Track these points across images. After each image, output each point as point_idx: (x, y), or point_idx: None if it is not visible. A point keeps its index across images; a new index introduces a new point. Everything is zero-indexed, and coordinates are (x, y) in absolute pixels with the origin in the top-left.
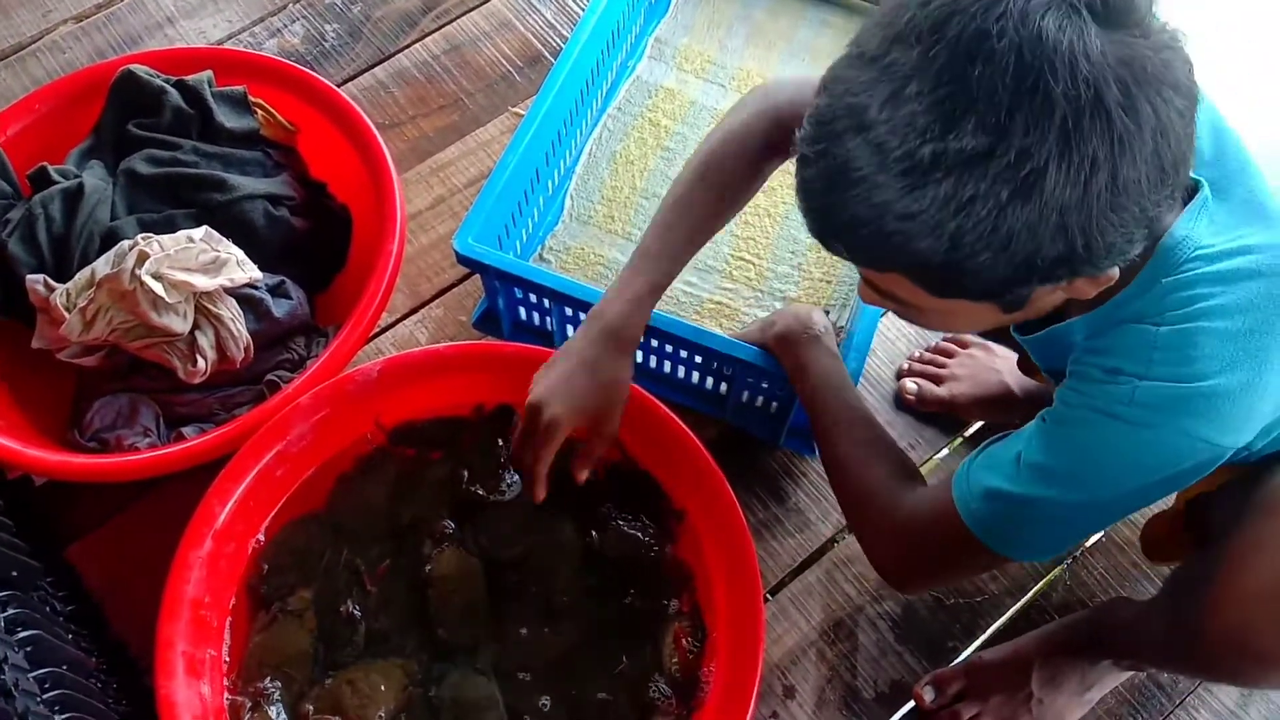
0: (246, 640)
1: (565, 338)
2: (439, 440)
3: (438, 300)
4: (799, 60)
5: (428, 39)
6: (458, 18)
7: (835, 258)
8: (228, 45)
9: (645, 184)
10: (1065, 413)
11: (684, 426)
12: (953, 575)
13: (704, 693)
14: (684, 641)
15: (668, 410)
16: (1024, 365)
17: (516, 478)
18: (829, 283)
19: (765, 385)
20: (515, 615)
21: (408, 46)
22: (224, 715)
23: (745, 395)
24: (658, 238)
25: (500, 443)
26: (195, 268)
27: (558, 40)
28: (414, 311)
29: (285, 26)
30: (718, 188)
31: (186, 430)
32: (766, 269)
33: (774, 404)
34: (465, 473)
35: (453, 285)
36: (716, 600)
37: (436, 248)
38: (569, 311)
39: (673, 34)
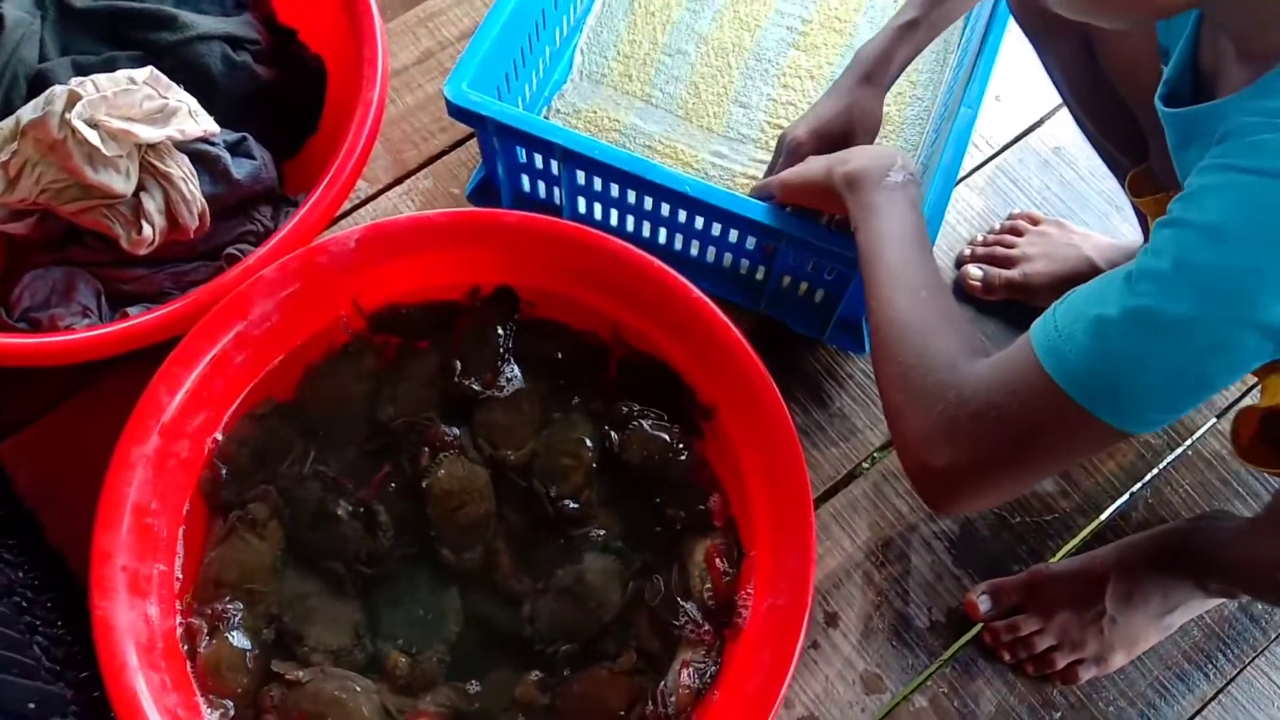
0: (202, 554)
1: (576, 212)
2: (427, 327)
3: (425, 170)
4: None
5: None
6: None
7: (889, 126)
8: None
9: (668, 39)
10: (1205, 190)
11: (711, 305)
12: (1026, 469)
13: (741, 619)
14: (717, 561)
15: (690, 286)
16: (1136, 184)
17: (517, 372)
18: None
19: (812, 267)
20: (522, 530)
21: None
22: (175, 641)
23: (787, 280)
24: None
25: (499, 331)
26: (138, 116)
27: None
28: (398, 183)
29: None
30: None
31: (132, 311)
32: None
33: (820, 291)
34: (458, 364)
35: (443, 153)
36: (755, 513)
37: (424, 109)
38: (581, 178)
39: None
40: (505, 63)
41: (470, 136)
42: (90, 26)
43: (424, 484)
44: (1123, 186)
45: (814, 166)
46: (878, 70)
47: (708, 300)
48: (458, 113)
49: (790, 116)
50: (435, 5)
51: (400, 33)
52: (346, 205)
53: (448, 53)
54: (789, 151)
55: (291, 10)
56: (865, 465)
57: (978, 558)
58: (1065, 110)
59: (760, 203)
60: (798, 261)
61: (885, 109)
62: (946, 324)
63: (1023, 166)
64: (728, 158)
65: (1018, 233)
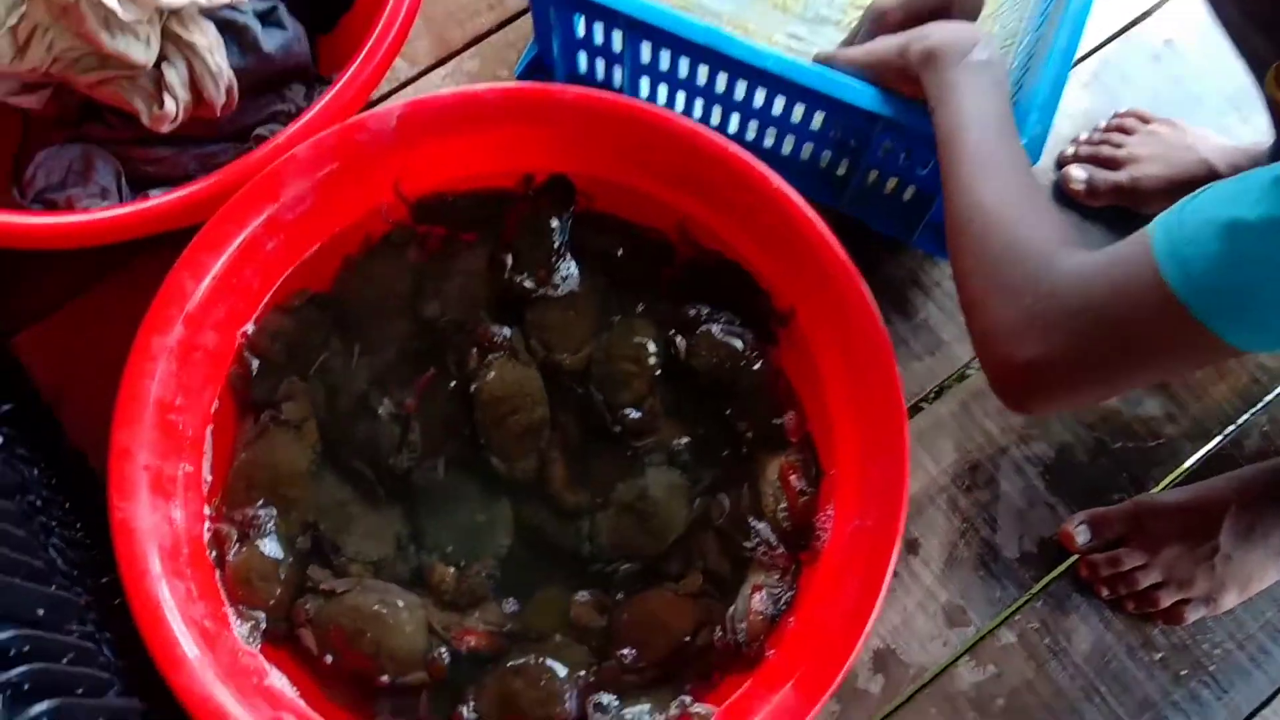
0: (232, 456)
1: (637, 94)
2: (475, 218)
3: (471, 50)
4: None
5: None
6: None
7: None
8: None
9: None
10: None
11: (795, 196)
12: (1119, 375)
13: (820, 542)
14: (792, 480)
15: (770, 173)
16: None
17: (574, 270)
18: None
19: (905, 156)
20: (578, 440)
21: None
22: (202, 547)
23: (874, 175)
24: None
25: (554, 223)
26: None
27: None
28: (440, 64)
29: None
30: None
31: (154, 194)
32: None
33: (911, 188)
34: (509, 259)
35: (490, 31)
36: (836, 428)
37: None
38: (646, 53)
39: None
40: None
41: (520, 14)
42: None
43: (472, 388)
44: (1259, 82)
45: (888, 42)
46: None
47: (790, 190)
48: None
49: None
50: None
51: None
52: (385, 87)
53: None
54: (872, 21)
55: None
56: (952, 382)
57: (1073, 485)
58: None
59: (857, 81)
60: (892, 152)
61: None
62: (1036, 210)
63: (1130, 61)
64: (805, 41)
65: (1126, 131)
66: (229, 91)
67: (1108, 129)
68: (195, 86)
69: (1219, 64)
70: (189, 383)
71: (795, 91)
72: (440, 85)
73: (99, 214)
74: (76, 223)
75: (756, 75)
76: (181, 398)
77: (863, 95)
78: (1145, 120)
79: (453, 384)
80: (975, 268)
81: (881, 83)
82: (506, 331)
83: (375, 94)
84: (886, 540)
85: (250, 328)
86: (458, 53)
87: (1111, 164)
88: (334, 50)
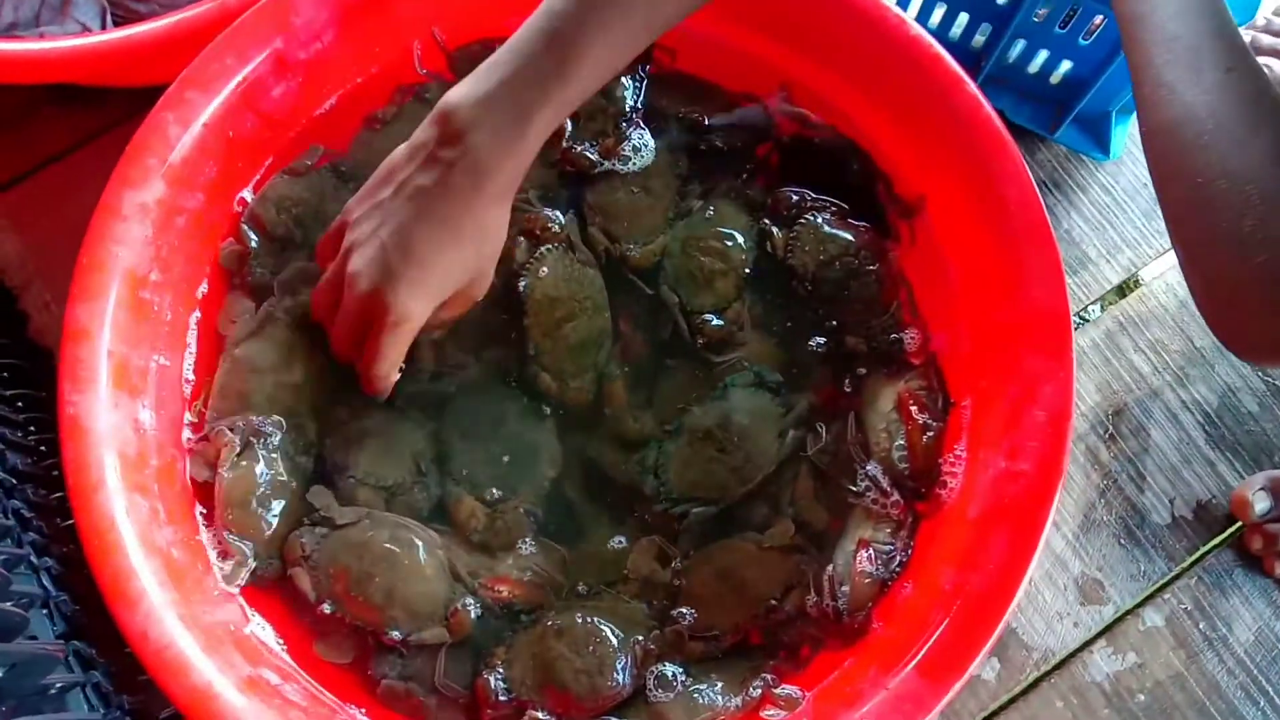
0: (220, 352)
1: None
2: None
3: None
4: None
5: None
6: None
7: None
8: None
9: None
10: None
11: (937, 48)
12: None
13: (945, 491)
14: (913, 411)
15: (904, 17)
16: None
17: (649, 140)
18: None
19: (1067, 20)
20: (645, 353)
21: None
22: (175, 460)
23: (1019, 46)
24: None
25: (624, 81)
26: None
27: None
28: None
29: None
30: None
31: None
32: None
33: (1064, 66)
34: (568, 124)
35: None
36: (970, 349)
37: None
38: None
39: None
40: None
41: None
42: None
43: (520, 286)
44: None
45: None
46: (510, 182)
47: (932, 40)
48: None
49: None
50: None
51: None
52: None
53: None
54: (391, 328)
55: None
56: (1096, 308)
57: (1239, 439)
58: None
59: None
60: (1050, 15)
61: None
62: (1266, 116)
63: None
64: None
65: None
66: None
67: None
68: None
69: None
70: (169, 255)
71: None
72: None
73: (65, 42)
74: (32, 53)
75: None
76: (158, 272)
77: None
78: None
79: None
80: (1187, 202)
81: None
82: (560, 218)
83: None
84: (1044, 490)
85: (249, 194)
86: None
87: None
88: None
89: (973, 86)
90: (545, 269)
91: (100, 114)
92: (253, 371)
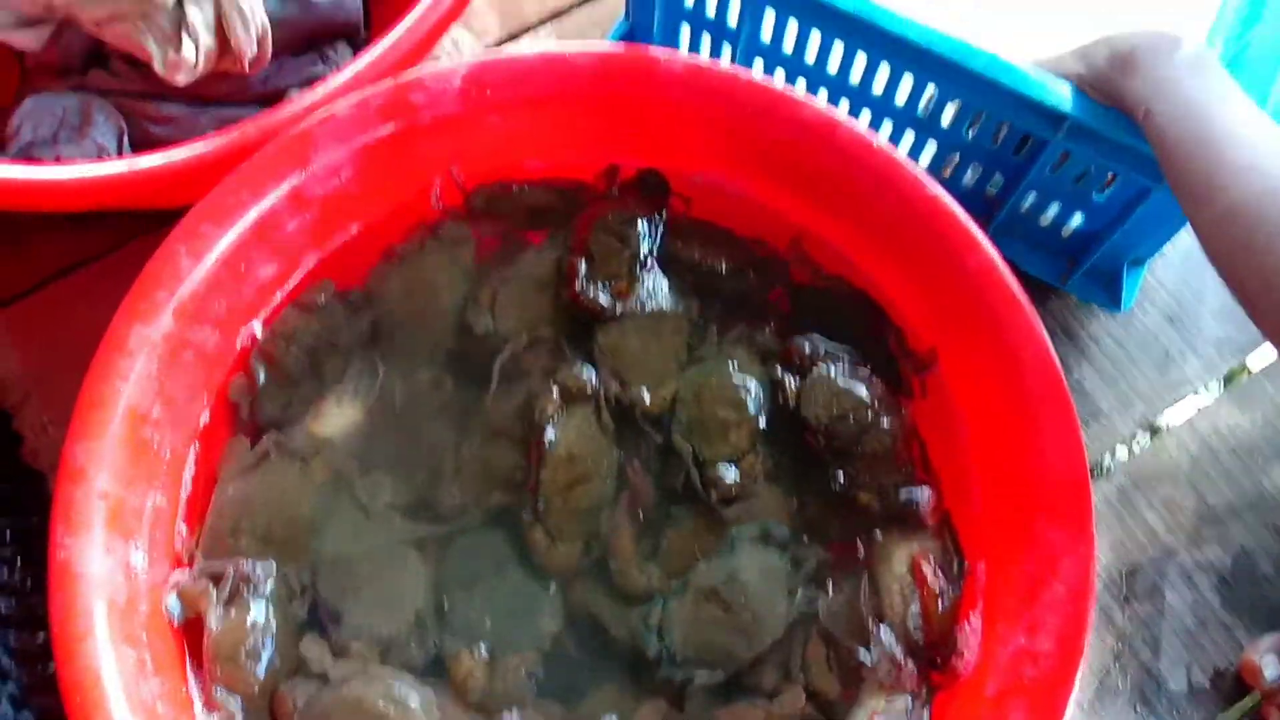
0: (214, 484)
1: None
2: (545, 213)
3: (548, 25)
4: None
5: None
6: None
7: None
8: None
9: None
10: None
11: (954, 207)
12: None
13: (960, 661)
14: (927, 573)
15: (921, 173)
16: None
17: (662, 285)
18: None
19: (1080, 178)
20: (654, 506)
21: None
22: (170, 609)
23: (1031, 199)
24: None
25: (640, 227)
26: None
27: None
28: (512, 38)
29: None
30: None
31: None
32: None
33: (1076, 218)
34: (582, 266)
35: (571, 7)
36: (984, 509)
37: None
38: (768, 26)
39: None
40: None
41: None
42: None
43: (546, 439)
44: None
45: (1060, 55)
46: None
47: (948, 198)
48: None
49: None
50: None
51: None
52: (445, 63)
53: None
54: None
55: None
56: (1110, 462)
57: (1256, 601)
58: None
59: (1012, 64)
60: (1065, 168)
61: None
62: None
63: None
64: None
65: None
66: (261, 41)
67: None
68: (222, 32)
69: None
70: (173, 390)
71: (956, 79)
72: None
73: (73, 168)
74: (42, 180)
75: (910, 57)
76: (161, 408)
77: (1049, 89)
78: None
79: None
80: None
81: None
82: (595, 377)
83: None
84: (1065, 671)
85: (259, 326)
86: (532, 28)
87: None
88: (388, 12)
89: (989, 247)
90: (573, 429)
91: (103, 234)
92: (245, 512)
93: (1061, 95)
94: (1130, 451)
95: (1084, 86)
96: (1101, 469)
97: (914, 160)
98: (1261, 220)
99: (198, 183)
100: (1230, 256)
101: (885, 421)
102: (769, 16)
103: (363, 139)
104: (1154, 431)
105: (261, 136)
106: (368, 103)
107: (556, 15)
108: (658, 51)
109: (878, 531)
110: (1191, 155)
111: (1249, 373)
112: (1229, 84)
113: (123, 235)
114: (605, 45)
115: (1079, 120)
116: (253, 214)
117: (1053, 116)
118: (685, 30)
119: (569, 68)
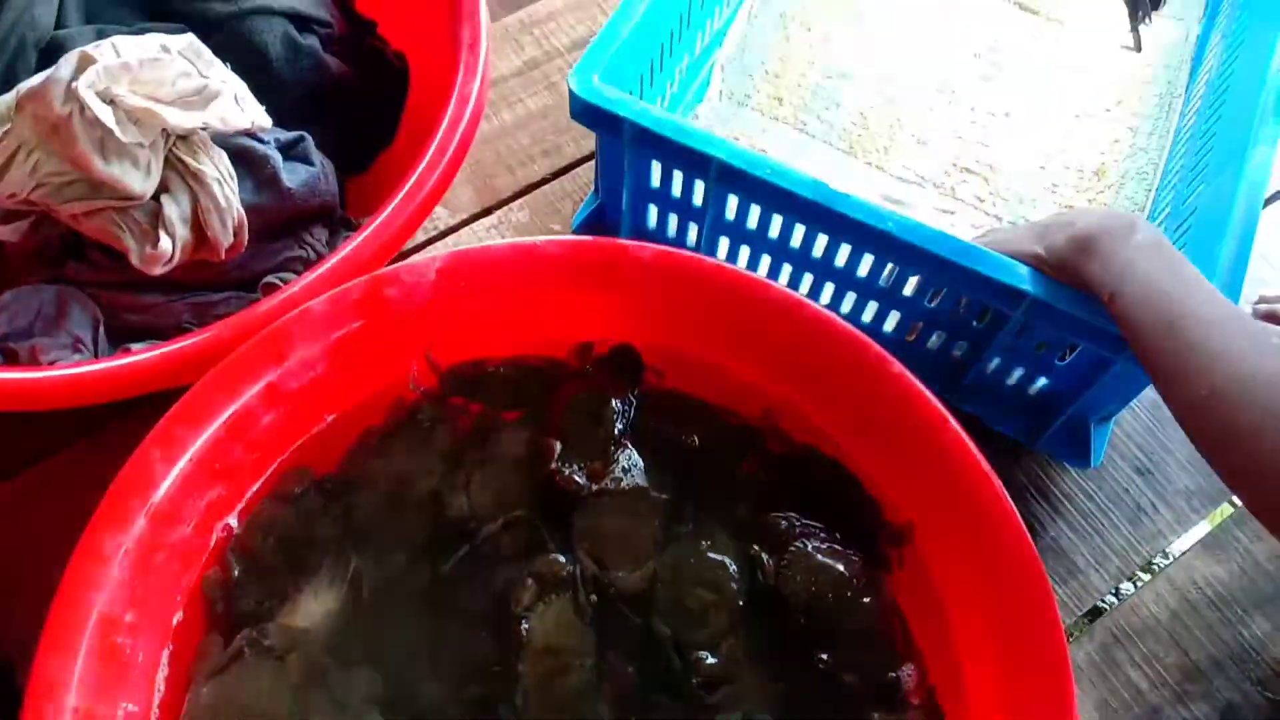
0: (189, 687)
1: (715, 253)
2: (519, 393)
3: (520, 200)
4: None
5: None
6: None
7: (1105, 179)
8: None
9: (828, 57)
10: None
11: (918, 384)
12: None
13: None
14: None
15: (888, 357)
16: None
17: (637, 461)
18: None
19: (1040, 346)
20: (632, 687)
21: None
22: None
23: (995, 362)
24: None
25: (614, 405)
26: (168, 96)
27: None
28: (487, 213)
29: None
30: None
31: (136, 348)
32: (1003, 186)
33: (1041, 381)
34: (557, 446)
35: (544, 181)
36: (968, 685)
37: (524, 128)
38: (732, 208)
39: None
40: (641, 62)
41: (577, 163)
42: None
43: (523, 629)
44: None
45: (1017, 233)
46: None
47: (912, 378)
48: (585, 111)
49: (981, 156)
50: (546, 8)
51: (500, 39)
52: (421, 235)
53: (556, 64)
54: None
55: None
56: (1088, 620)
57: None
58: None
59: (979, 248)
60: (1025, 338)
61: (1098, 159)
62: None
63: (1270, 239)
64: (904, 205)
65: (1277, 320)
66: (238, 231)
67: (1253, 316)
68: (198, 223)
69: None
70: (146, 593)
71: (916, 259)
72: (484, 237)
73: (50, 372)
74: (20, 381)
75: (868, 239)
76: (134, 613)
77: (1008, 269)
78: None
79: (484, 604)
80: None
81: None
82: (571, 564)
83: (409, 244)
84: None
85: (234, 521)
86: (506, 202)
87: None
88: (366, 193)
89: (954, 422)
90: (551, 617)
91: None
92: (218, 711)
93: (1020, 274)
94: (1109, 608)
95: (1043, 267)
96: (1082, 627)
97: (879, 328)
98: (1243, 406)
99: (176, 376)
100: (1217, 443)
101: (865, 598)
102: (732, 199)
103: (338, 333)
104: (1132, 586)
105: (240, 332)
106: (343, 298)
107: (530, 189)
108: (625, 243)
109: (863, 712)
110: (1162, 340)
111: (1222, 523)
112: (1186, 265)
113: (98, 420)
114: (573, 239)
115: (1038, 297)
116: (227, 413)
117: (1011, 293)
118: (653, 209)
119: (539, 258)
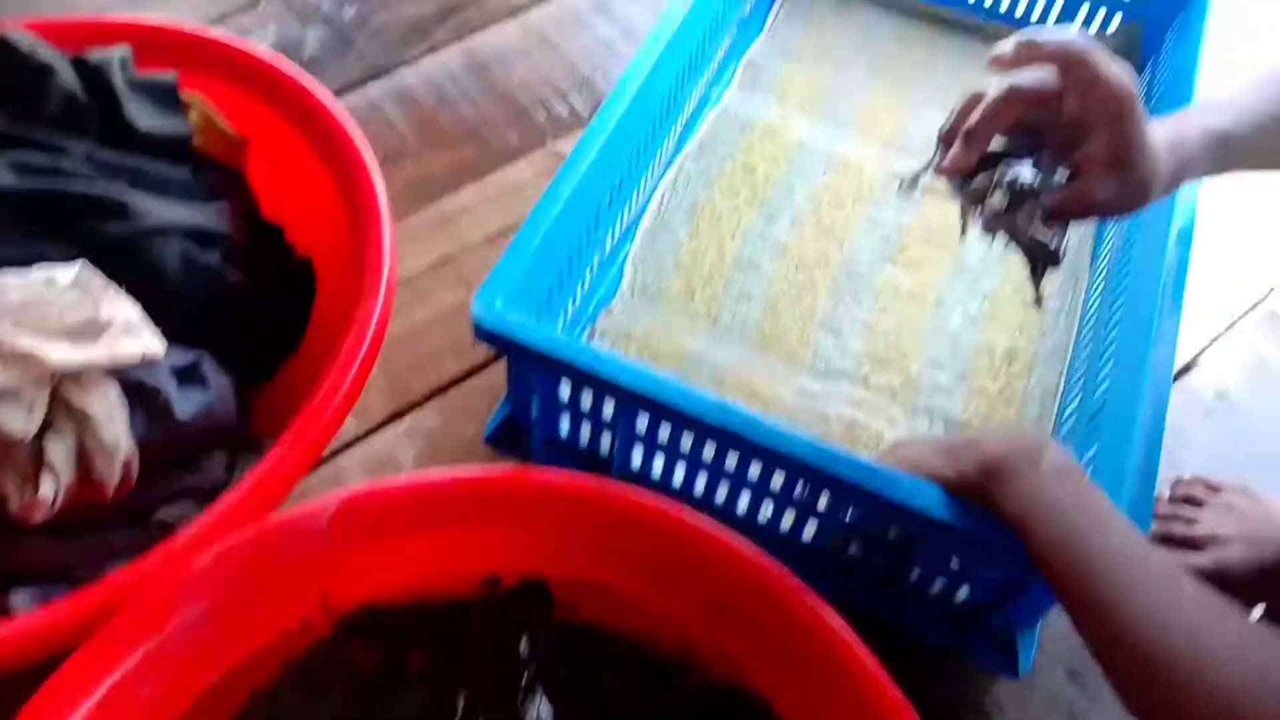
0: None
1: (628, 466)
2: (422, 635)
3: (432, 402)
4: (940, 98)
5: (441, 52)
6: (481, 28)
7: (1016, 364)
8: None
9: (738, 249)
10: None
11: (828, 615)
12: None
13: None
14: None
15: (810, 595)
16: None
17: (546, 711)
18: (1009, 403)
19: (963, 564)
20: None
21: (414, 60)
22: None
23: (917, 573)
24: None
25: (524, 644)
26: (55, 329)
27: (614, 61)
28: (397, 418)
29: (255, 29)
30: None
31: (18, 598)
32: (917, 374)
33: (965, 589)
34: (461, 701)
35: (456, 381)
36: None
37: (436, 325)
38: (643, 425)
39: (769, 58)
40: (548, 274)
41: (490, 362)
42: (19, 212)
43: None
44: None
45: (926, 452)
46: None
47: (827, 610)
48: (488, 337)
49: (891, 344)
50: (457, 202)
51: (412, 232)
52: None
53: (470, 259)
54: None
55: (276, 196)
56: None
57: None
58: (1229, 343)
59: (906, 477)
60: (940, 555)
61: (1009, 340)
62: (1224, 616)
63: (1182, 417)
64: (818, 396)
65: (1195, 502)
66: (126, 468)
67: (1173, 499)
68: (84, 462)
69: None
70: None
71: (824, 481)
72: (393, 446)
73: None
74: None
75: (777, 459)
76: None
77: (918, 493)
78: (1215, 489)
79: None
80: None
81: None
82: None
83: None
84: None
85: None
86: (417, 405)
87: (1188, 544)
88: (277, 398)
89: (868, 656)
90: None
91: None
92: None
93: (929, 497)
94: None
95: (951, 488)
96: None
97: (797, 536)
98: (1172, 662)
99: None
100: (1147, 697)
101: None
102: (643, 416)
103: (225, 590)
104: None
105: (116, 591)
106: (228, 553)
107: (441, 390)
108: (529, 474)
109: None
110: (1069, 580)
111: None
112: (1093, 494)
113: None
114: (472, 470)
115: (949, 524)
116: (98, 693)
117: (921, 519)
118: (566, 419)
119: (438, 496)
